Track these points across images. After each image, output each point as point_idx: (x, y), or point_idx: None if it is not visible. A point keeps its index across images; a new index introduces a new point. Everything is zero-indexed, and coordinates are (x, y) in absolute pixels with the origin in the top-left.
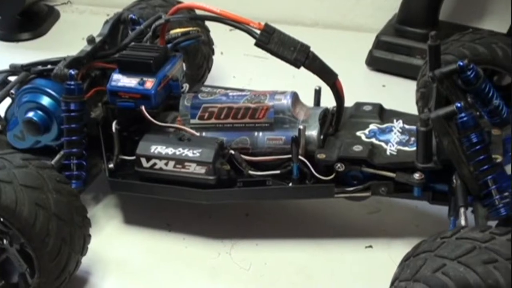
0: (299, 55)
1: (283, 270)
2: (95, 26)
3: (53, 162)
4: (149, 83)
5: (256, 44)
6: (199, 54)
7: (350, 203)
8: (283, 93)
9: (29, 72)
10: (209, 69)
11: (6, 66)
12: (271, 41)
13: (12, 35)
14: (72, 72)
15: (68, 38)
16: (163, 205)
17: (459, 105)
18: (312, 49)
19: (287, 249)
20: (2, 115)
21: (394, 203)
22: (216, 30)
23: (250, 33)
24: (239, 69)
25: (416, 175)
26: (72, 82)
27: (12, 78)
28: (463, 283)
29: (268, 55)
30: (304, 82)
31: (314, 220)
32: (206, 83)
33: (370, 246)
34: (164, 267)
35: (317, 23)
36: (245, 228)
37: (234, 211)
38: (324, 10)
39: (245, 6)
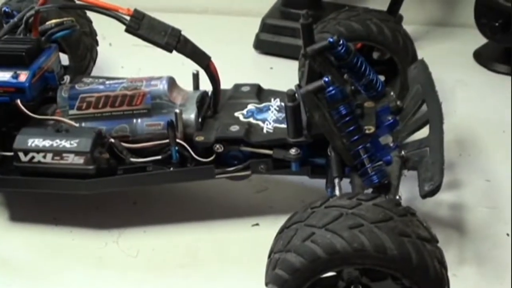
0: (170, 39)
1: (171, 254)
2: None
3: None
4: (23, 76)
5: (127, 30)
6: (81, 45)
7: (238, 184)
8: (159, 78)
9: None
10: (93, 60)
11: None
12: (141, 26)
13: None
14: None
15: None
16: (49, 200)
17: (326, 79)
18: (202, 35)
19: (174, 233)
20: None
21: (281, 181)
22: (104, 21)
23: (120, 19)
24: (128, 59)
25: (293, 151)
26: None
27: None
28: (330, 249)
29: None
30: (194, 68)
31: (202, 203)
32: (93, 74)
33: (257, 224)
34: (52, 261)
35: (207, 10)
36: (133, 217)
37: (121, 201)
38: None
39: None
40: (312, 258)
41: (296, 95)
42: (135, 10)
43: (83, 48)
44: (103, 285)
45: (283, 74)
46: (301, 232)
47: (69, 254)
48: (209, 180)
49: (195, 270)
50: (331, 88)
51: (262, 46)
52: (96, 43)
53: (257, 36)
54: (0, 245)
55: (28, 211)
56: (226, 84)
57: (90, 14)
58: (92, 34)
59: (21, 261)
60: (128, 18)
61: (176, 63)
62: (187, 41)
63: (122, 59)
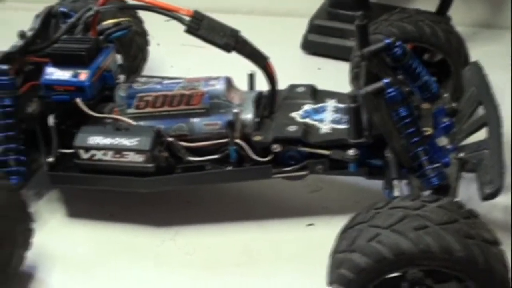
0: (229, 40)
1: (227, 252)
2: (30, 23)
3: None
4: (83, 75)
5: (187, 31)
6: (134, 45)
7: (292, 184)
8: (216, 78)
9: None
10: (144, 59)
11: None
12: (201, 27)
13: None
14: (4, 67)
15: (2, 36)
16: (106, 196)
17: (386, 81)
18: (249, 36)
19: (229, 232)
20: None
21: (335, 181)
22: (152, 21)
23: (181, 20)
24: (177, 59)
25: (351, 151)
26: (5, 77)
27: None
28: (396, 250)
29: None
30: (242, 69)
31: (256, 202)
32: (144, 74)
33: (312, 224)
34: (109, 258)
35: (253, 11)
36: (188, 215)
37: (175, 199)
38: None
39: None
40: (378, 259)
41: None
42: (195, 11)
43: (136, 48)
44: (161, 281)
45: (331, 75)
46: (365, 233)
47: (127, 250)
48: (264, 179)
49: (250, 269)
50: (391, 90)
51: (310, 46)
52: (147, 43)
53: (305, 36)
54: (59, 240)
55: (85, 207)
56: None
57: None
58: (144, 34)
59: (79, 256)
60: (188, 19)
61: (225, 63)
62: (245, 41)
63: (171, 58)
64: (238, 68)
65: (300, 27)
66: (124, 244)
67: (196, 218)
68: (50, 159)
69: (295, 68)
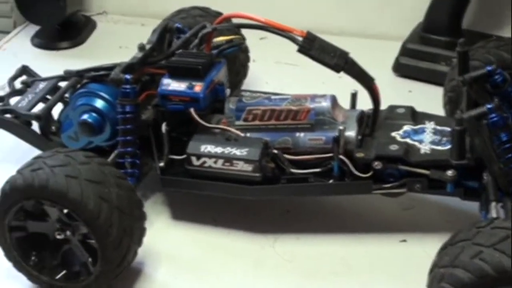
0: (339, 60)
1: (325, 262)
2: (130, 35)
3: (109, 160)
4: (198, 87)
5: (299, 51)
6: (237, 61)
7: (386, 201)
8: (322, 96)
9: (81, 78)
10: (245, 75)
11: (47, 72)
12: (313, 47)
13: (52, 44)
14: (128, 77)
15: (105, 47)
16: (208, 202)
17: (489, 106)
18: None
19: (326, 243)
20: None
21: (427, 200)
22: (247, 38)
23: (294, 40)
24: (271, 75)
25: (449, 172)
26: (128, 86)
27: (63, 84)
28: (499, 267)
29: (298, 62)
30: (334, 87)
31: (351, 216)
32: (243, 88)
33: (405, 240)
34: (211, 259)
35: (343, 32)
36: (287, 224)
37: (275, 208)
38: (349, 20)
39: (273, 15)
40: (481, 275)
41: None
42: (308, 32)
43: (239, 64)
44: (261, 285)
45: (421, 98)
46: (468, 250)
47: (228, 254)
48: (360, 195)
49: (348, 279)
50: (493, 115)
51: (402, 69)
52: (248, 59)
53: (397, 59)
54: (165, 241)
55: (188, 211)
56: (366, 103)
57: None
58: (246, 51)
59: (184, 257)
60: (301, 39)
61: (317, 81)
62: (353, 62)
63: (266, 75)
64: (329, 86)
65: (391, 50)
66: (225, 247)
67: (295, 227)
68: (161, 164)
69: (386, 89)
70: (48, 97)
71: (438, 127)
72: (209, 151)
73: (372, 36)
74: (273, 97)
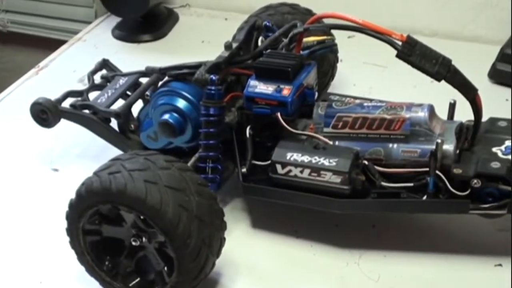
0: (441, 68)
1: (412, 284)
2: (213, 30)
3: (189, 164)
4: (286, 90)
5: (398, 56)
6: (326, 62)
7: (477, 219)
8: (420, 105)
9: (163, 75)
10: (333, 76)
11: (127, 66)
12: (413, 53)
13: (133, 36)
14: (213, 77)
15: (187, 41)
16: (290, 212)
17: None
18: None
19: (415, 262)
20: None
21: None
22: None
23: (392, 44)
24: (359, 77)
25: None
26: (213, 87)
27: (143, 80)
28: None
29: (388, 63)
30: (425, 91)
31: (441, 235)
32: (328, 91)
33: (500, 265)
34: (293, 273)
35: (436, 34)
36: (372, 240)
37: (360, 222)
38: (443, 21)
39: (363, 14)
40: None
41: None
42: (409, 37)
43: (327, 65)
44: None
45: None
46: None
47: (310, 268)
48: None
49: None
50: None
51: (498, 76)
52: (337, 60)
53: (494, 65)
54: (243, 250)
55: (268, 221)
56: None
57: None
58: (336, 51)
59: (263, 269)
60: (400, 43)
61: (407, 85)
62: (456, 71)
63: (353, 76)
64: (420, 90)
65: (487, 54)
66: (308, 261)
67: (381, 243)
68: (244, 170)
69: (481, 97)
70: (128, 93)
71: None
72: (295, 160)
73: (468, 39)
74: (366, 104)
